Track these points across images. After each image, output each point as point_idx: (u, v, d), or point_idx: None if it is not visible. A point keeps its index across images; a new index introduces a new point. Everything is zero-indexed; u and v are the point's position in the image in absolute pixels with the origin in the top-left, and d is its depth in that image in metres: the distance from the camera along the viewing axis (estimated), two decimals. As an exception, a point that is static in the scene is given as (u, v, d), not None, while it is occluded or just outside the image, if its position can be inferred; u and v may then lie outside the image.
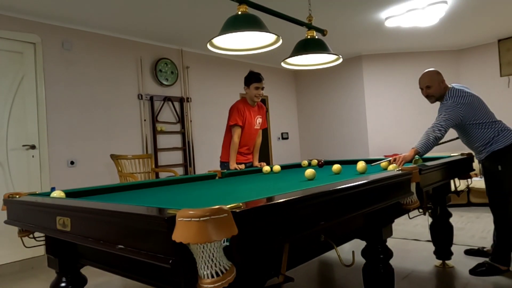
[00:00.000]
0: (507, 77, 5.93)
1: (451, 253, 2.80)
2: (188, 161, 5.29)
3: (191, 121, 5.38)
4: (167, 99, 5.11)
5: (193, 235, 0.81)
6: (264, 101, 6.74)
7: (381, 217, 1.72)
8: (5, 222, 1.68)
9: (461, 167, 2.67)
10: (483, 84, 6.14)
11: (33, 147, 3.88)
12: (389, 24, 4.85)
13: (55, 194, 1.71)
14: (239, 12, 2.13)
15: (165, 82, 5.10)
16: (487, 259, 2.65)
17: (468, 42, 6.16)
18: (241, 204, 0.97)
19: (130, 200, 1.61)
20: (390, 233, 1.80)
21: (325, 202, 1.24)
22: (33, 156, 3.89)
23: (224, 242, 0.90)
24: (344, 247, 3.19)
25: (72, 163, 4.17)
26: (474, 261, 2.79)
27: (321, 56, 2.73)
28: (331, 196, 1.26)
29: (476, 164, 3.15)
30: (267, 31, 2.09)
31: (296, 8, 4.00)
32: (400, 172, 1.71)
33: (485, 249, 2.96)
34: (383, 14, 4.61)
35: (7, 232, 3.50)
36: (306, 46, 2.57)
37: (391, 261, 1.76)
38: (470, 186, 2.87)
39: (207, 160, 5.53)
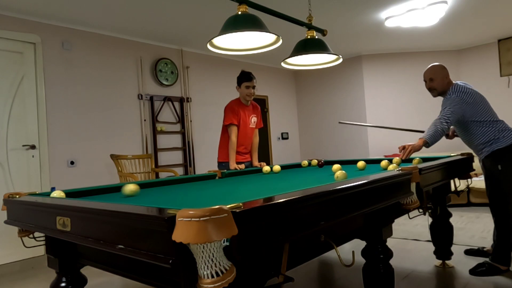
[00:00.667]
0: (507, 77, 5.92)
1: (451, 253, 2.80)
2: (188, 161, 5.29)
3: (191, 121, 5.39)
4: (167, 99, 5.11)
5: (193, 235, 0.81)
6: (264, 101, 6.74)
7: (381, 217, 1.72)
8: (5, 222, 1.68)
9: (461, 167, 2.66)
10: (483, 84, 6.13)
11: (33, 147, 3.88)
12: (389, 24, 4.85)
13: (55, 194, 1.69)
14: (239, 12, 2.12)
15: (165, 82, 5.10)
16: (487, 259, 2.65)
17: (468, 42, 6.15)
18: (241, 204, 0.97)
19: (130, 200, 1.60)
20: (390, 233, 1.79)
21: (325, 202, 1.23)
22: (33, 156, 3.89)
23: (224, 242, 0.90)
24: (344, 247, 3.21)
25: (72, 163, 4.17)
26: (474, 261, 2.79)
27: (321, 56, 2.72)
28: (331, 196, 1.25)
29: (476, 164, 3.15)
30: (267, 31, 2.09)
31: (296, 8, 4.00)
32: (400, 172, 1.71)
33: (485, 249, 2.96)
34: (383, 14, 4.61)
35: (7, 232, 3.51)
36: (306, 46, 2.56)
37: (391, 261, 1.76)
38: (470, 186, 2.87)
39: (207, 160, 5.53)
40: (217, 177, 2.56)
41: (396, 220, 1.86)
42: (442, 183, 2.35)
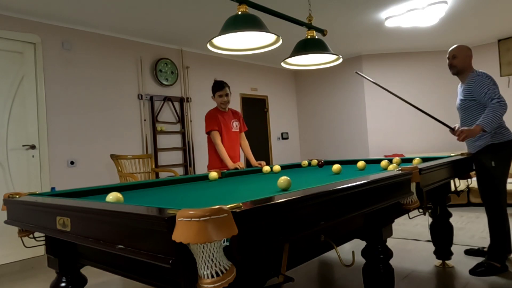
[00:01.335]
0: (507, 77, 5.93)
1: (451, 253, 2.80)
2: (188, 161, 5.29)
3: (191, 121, 5.38)
4: (167, 99, 5.10)
5: (193, 235, 0.81)
6: (264, 101, 6.75)
7: (381, 217, 1.72)
8: (5, 222, 1.68)
9: (461, 167, 2.65)
10: None
11: (33, 147, 3.88)
12: (389, 24, 4.86)
13: (111, 197, 1.41)
14: (239, 12, 2.12)
15: (165, 82, 5.09)
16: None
17: (468, 42, 6.12)
18: (241, 204, 0.96)
19: (130, 200, 1.59)
20: (390, 233, 1.79)
21: (325, 202, 1.23)
22: (33, 156, 3.89)
23: (224, 242, 0.90)
24: (344, 247, 3.21)
25: (72, 163, 4.16)
26: (474, 261, 2.78)
27: (321, 56, 2.72)
28: (331, 196, 1.25)
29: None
30: (267, 31, 2.09)
31: (296, 8, 4.00)
32: (400, 172, 1.71)
33: (485, 249, 2.95)
34: (383, 14, 4.61)
35: (7, 232, 3.51)
36: (306, 46, 2.55)
37: (391, 261, 1.76)
38: (470, 186, 2.87)
39: (207, 160, 5.49)
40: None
41: (396, 220, 1.86)
42: (442, 183, 2.34)
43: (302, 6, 3.99)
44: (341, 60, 2.80)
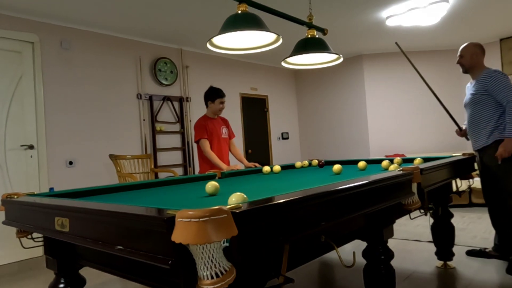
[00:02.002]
0: (509, 76, 5.90)
1: (453, 254, 2.79)
2: (187, 161, 5.28)
3: (190, 121, 5.36)
4: (166, 98, 5.09)
5: (192, 235, 0.81)
6: (264, 100, 6.75)
7: (382, 218, 1.71)
8: (3, 222, 1.67)
9: (463, 167, 2.64)
10: None
11: (31, 147, 3.87)
12: (390, 23, 4.85)
13: (209, 185, 1.58)
14: (239, 11, 2.11)
15: (164, 82, 5.08)
16: None
17: (469, 41, 6.10)
18: (241, 204, 0.97)
19: (129, 201, 1.60)
20: (391, 234, 1.78)
21: (325, 203, 1.23)
22: (31, 156, 3.88)
23: (224, 242, 0.89)
24: (344, 248, 3.17)
25: (70, 163, 4.15)
26: (476, 262, 2.78)
27: (322, 55, 2.71)
28: (331, 197, 1.25)
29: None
30: (267, 30, 2.08)
31: (297, 7, 3.98)
32: (401, 172, 1.70)
33: (486, 250, 2.94)
34: (384, 13, 4.60)
35: (5, 232, 3.49)
36: (307, 46, 2.55)
37: (392, 262, 1.75)
38: (471, 186, 2.85)
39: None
40: (216, 177, 2.56)
41: (397, 221, 1.85)
42: (443, 183, 2.33)
43: (303, 5, 3.97)
44: (341, 59, 2.80)
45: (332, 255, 3.08)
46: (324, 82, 6.99)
